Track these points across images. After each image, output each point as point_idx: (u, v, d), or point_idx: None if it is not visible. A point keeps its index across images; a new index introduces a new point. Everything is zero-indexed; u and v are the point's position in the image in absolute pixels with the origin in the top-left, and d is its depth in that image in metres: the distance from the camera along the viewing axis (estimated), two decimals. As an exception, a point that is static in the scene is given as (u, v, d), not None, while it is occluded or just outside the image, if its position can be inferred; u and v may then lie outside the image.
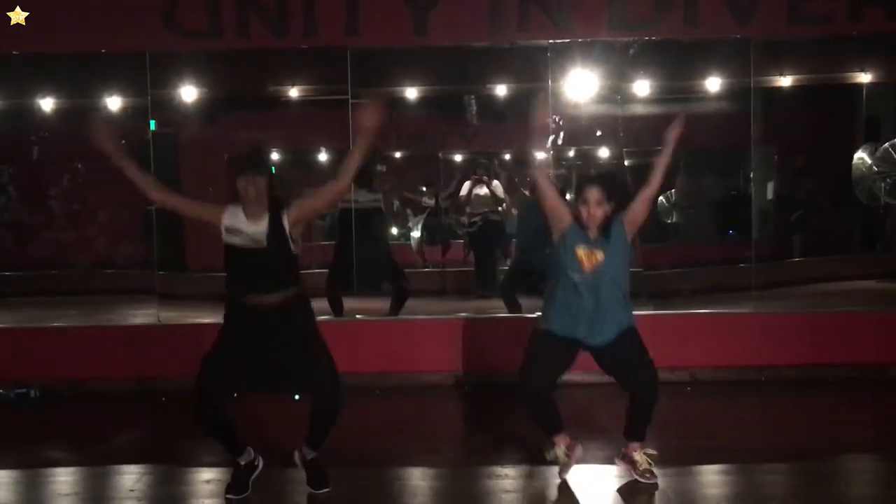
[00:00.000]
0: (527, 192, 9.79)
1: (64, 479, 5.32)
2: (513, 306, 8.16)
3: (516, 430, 5.82)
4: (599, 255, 4.87)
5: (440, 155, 13.29)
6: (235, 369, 4.68)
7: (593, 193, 4.89)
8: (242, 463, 4.88)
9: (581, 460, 5.13)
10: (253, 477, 4.90)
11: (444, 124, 13.00)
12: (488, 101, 11.57)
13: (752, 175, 9.13)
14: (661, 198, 13.14)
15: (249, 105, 10.99)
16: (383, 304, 8.47)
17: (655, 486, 4.90)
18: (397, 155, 13.43)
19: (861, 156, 10.85)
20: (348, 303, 8.26)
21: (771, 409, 6.61)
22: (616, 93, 10.45)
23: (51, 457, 5.79)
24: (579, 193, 4.95)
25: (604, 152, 12.02)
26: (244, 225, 4.63)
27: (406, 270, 8.96)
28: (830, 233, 12.57)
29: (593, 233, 4.90)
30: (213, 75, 9.24)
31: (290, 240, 4.66)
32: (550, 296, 5.01)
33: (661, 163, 5.10)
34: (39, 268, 11.26)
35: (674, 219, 13.22)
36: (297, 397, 5.11)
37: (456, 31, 7.45)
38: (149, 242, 8.25)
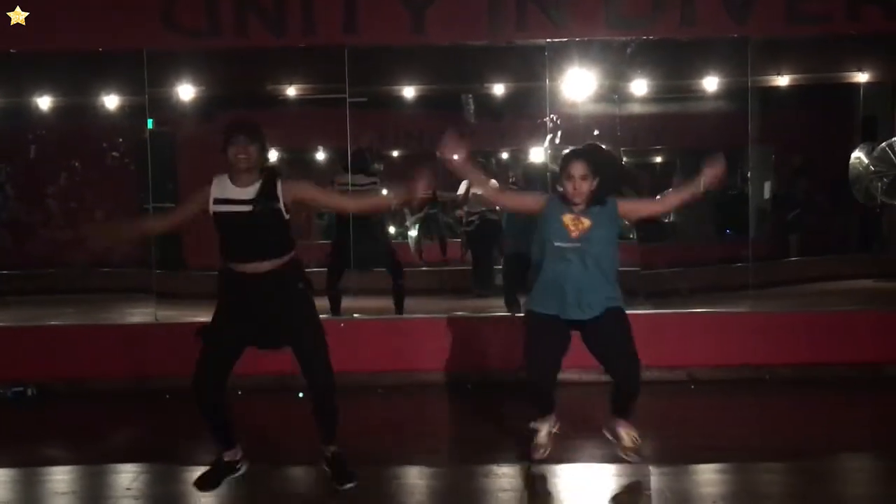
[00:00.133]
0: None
1: (61, 478, 5.31)
2: (512, 306, 8.16)
3: (514, 429, 5.81)
4: (586, 222, 4.88)
5: (438, 153, 13.29)
6: (233, 342, 4.60)
7: (578, 168, 4.89)
8: (225, 459, 4.81)
9: (574, 459, 5.14)
10: (229, 477, 4.80)
11: (442, 123, 12.99)
12: (486, 100, 11.58)
13: (749, 174, 9.14)
14: (658, 197, 13.17)
15: (247, 104, 10.95)
16: (381, 303, 8.47)
17: (639, 464, 5.05)
18: (395, 154, 13.45)
19: (858, 155, 10.85)
20: (345, 302, 8.26)
21: (768, 408, 6.61)
22: (613, 92, 10.44)
23: (48, 455, 5.79)
24: (564, 168, 4.94)
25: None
26: (232, 192, 4.52)
27: (405, 269, 8.96)
28: (827, 232, 12.58)
29: (579, 206, 4.91)
30: (210, 74, 9.24)
31: (282, 206, 4.53)
32: (539, 274, 5.01)
33: (685, 196, 5.07)
34: (37, 266, 11.24)
35: (671, 218, 13.23)
36: (300, 395, 5.08)
37: (454, 29, 7.45)
38: (146, 241, 8.24)
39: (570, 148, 5.18)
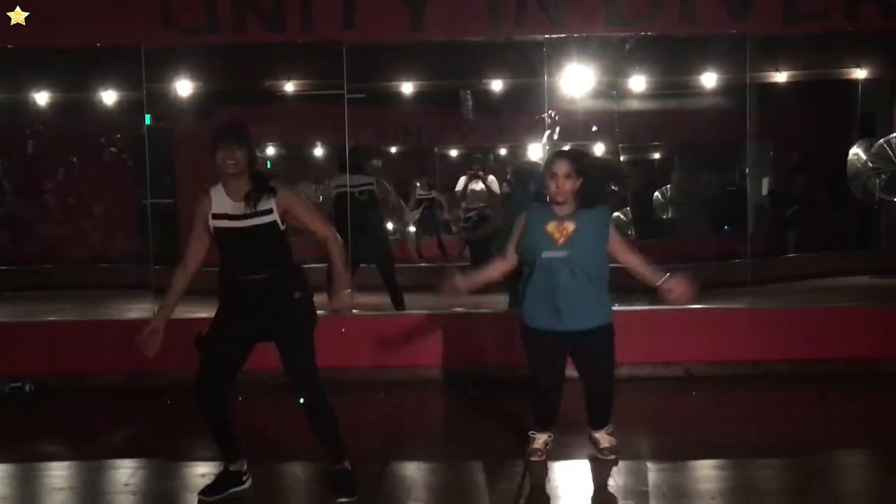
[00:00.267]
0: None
1: (58, 474, 5.31)
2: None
3: (512, 425, 5.82)
4: (570, 226, 4.87)
5: (436, 150, 13.31)
6: (234, 340, 4.56)
7: (562, 166, 4.89)
8: (231, 469, 4.76)
9: (572, 455, 5.15)
10: (233, 490, 4.73)
11: (440, 119, 13.02)
12: (484, 96, 11.58)
13: (747, 171, 9.14)
14: (657, 193, 13.20)
15: (245, 100, 10.98)
16: (379, 299, 8.47)
17: (614, 462, 5.11)
18: (393, 150, 13.46)
19: (856, 152, 10.87)
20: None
21: (765, 404, 6.62)
22: (612, 88, 10.47)
23: (45, 451, 5.79)
24: (548, 167, 4.96)
25: (599, 148, 12.03)
26: (229, 207, 4.48)
27: (404, 266, 8.97)
28: (825, 229, 12.60)
29: (562, 209, 4.92)
30: (208, 70, 9.24)
31: (277, 219, 4.48)
32: (528, 286, 5.01)
33: (647, 276, 4.99)
34: (34, 262, 11.25)
35: (669, 214, 13.25)
36: (301, 400, 5.05)
37: (452, 26, 7.45)
38: (144, 237, 8.24)
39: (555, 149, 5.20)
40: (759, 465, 5.20)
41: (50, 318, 8.23)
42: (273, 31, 7.41)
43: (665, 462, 5.18)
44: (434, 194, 12.64)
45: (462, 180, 11.00)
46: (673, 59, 9.45)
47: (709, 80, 10.39)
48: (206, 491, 4.69)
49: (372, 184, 8.65)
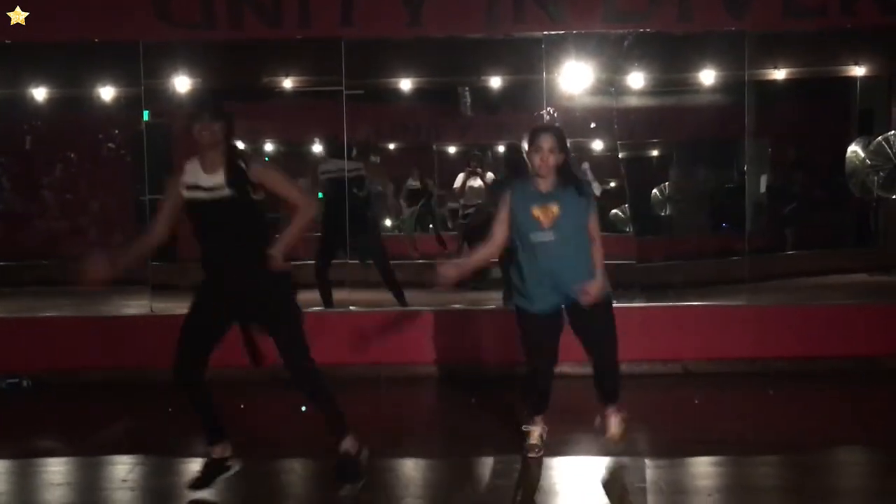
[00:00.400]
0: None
1: (56, 469, 5.32)
2: (510, 301, 8.14)
3: (509, 421, 5.82)
4: (555, 209, 4.89)
5: (434, 146, 13.31)
6: (210, 315, 4.58)
7: (546, 140, 4.90)
8: (214, 456, 4.75)
9: (570, 452, 5.15)
10: (221, 475, 4.73)
11: (439, 116, 13.01)
12: (483, 93, 11.58)
13: (745, 168, 9.15)
14: (654, 190, 13.21)
15: (243, 96, 10.97)
16: (375, 296, 8.47)
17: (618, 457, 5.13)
18: (391, 146, 13.45)
19: (854, 149, 10.88)
20: (340, 295, 8.25)
21: (763, 401, 6.62)
22: (610, 85, 10.46)
23: (43, 447, 5.78)
24: (531, 143, 4.95)
25: (598, 144, 12.03)
26: (202, 179, 4.50)
27: (402, 263, 8.97)
28: (823, 226, 12.60)
29: (545, 186, 4.93)
30: (206, 66, 9.22)
31: (250, 190, 4.50)
32: (516, 270, 5.03)
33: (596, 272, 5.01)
34: (32, 258, 11.24)
35: (667, 211, 13.25)
36: (304, 409, 5.05)
37: (450, 22, 7.44)
38: (141, 232, 8.22)
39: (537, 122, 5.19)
40: (756, 462, 5.20)
41: (47, 314, 8.23)
42: (271, 26, 7.41)
43: (663, 459, 5.18)
44: (428, 187, 12.62)
45: (460, 177, 11.00)
46: (671, 55, 9.45)
47: (707, 76, 10.39)
48: (195, 484, 4.69)
49: (360, 169, 8.65)
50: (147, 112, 8.04)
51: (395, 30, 7.50)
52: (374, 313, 7.94)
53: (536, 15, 7.37)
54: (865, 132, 11.23)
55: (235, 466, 4.82)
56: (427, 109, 12.72)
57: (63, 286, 10.22)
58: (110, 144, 11.95)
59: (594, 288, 4.89)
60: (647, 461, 5.13)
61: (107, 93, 10.79)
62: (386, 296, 8.52)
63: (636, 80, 10.41)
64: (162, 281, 8.08)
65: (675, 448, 5.41)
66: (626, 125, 11.51)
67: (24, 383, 7.22)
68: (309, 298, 8.14)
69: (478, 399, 6.70)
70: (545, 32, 7.47)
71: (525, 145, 5.09)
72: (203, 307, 4.62)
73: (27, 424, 6.38)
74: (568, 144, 5.06)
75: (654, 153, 13.83)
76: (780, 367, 7.22)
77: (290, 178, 4.74)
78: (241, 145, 4.76)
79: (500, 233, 5.08)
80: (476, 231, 10.47)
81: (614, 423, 5.20)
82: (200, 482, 4.70)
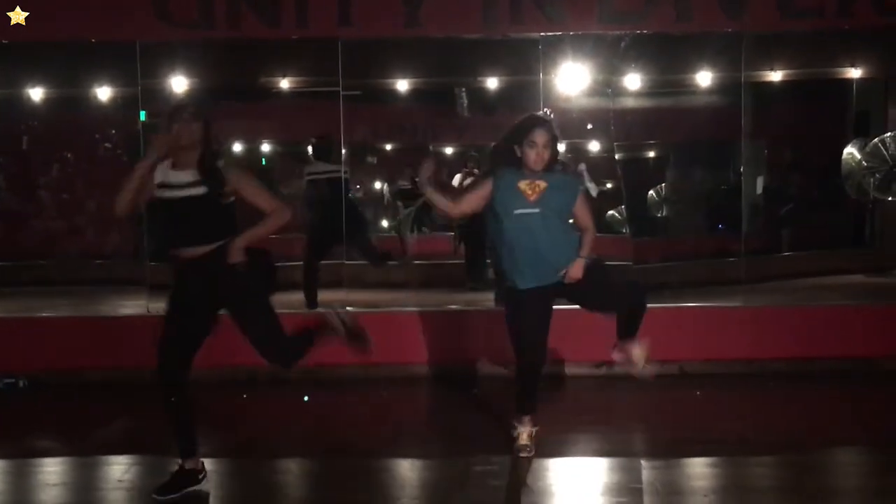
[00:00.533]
0: None
1: (52, 469, 5.31)
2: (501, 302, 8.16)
3: (504, 421, 5.82)
4: (542, 184, 4.91)
5: (431, 147, 13.29)
6: (186, 314, 4.57)
7: (542, 135, 4.90)
8: (186, 466, 4.71)
9: (565, 452, 5.15)
10: (191, 487, 4.67)
11: (435, 116, 13.00)
12: (479, 94, 11.57)
13: (742, 169, 9.15)
14: (651, 192, 13.20)
15: (240, 96, 10.96)
16: (373, 296, 8.47)
17: (650, 378, 5.29)
18: (388, 147, 13.43)
19: (851, 151, 10.88)
20: (337, 294, 8.25)
21: (759, 401, 6.63)
22: (607, 86, 10.45)
23: (39, 447, 5.78)
24: (527, 135, 4.92)
25: (595, 145, 12.02)
26: (171, 176, 4.50)
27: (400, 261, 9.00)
28: (820, 227, 12.60)
29: (535, 172, 4.94)
30: (203, 66, 9.21)
31: (222, 191, 4.50)
32: (505, 253, 5.03)
33: (585, 246, 5.07)
34: (29, 258, 11.22)
35: (664, 213, 13.25)
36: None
37: (448, 23, 7.45)
38: (139, 232, 8.23)
39: (528, 114, 5.17)
40: (753, 463, 5.21)
41: (44, 314, 8.22)
42: (269, 26, 7.41)
43: (659, 459, 5.19)
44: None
45: (457, 178, 10.99)
46: (668, 57, 9.45)
47: (704, 78, 10.40)
48: (160, 490, 4.63)
49: (337, 170, 8.69)
50: (144, 112, 8.03)
51: (392, 30, 7.50)
52: (371, 314, 7.94)
53: (534, 16, 7.38)
54: (862, 134, 11.22)
55: (205, 481, 4.76)
56: (424, 110, 12.69)
57: (60, 286, 10.29)
58: (107, 144, 11.93)
59: (575, 269, 4.91)
60: (643, 462, 5.14)
61: (104, 93, 10.78)
62: (383, 296, 8.52)
63: (633, 81, 10.42)
64: (159, 281, 8.04)
65: (672, 448, 5.41)
66: (623, 126, 11.49)
67: (21, 383, 7.21)
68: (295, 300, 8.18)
69: (474, 399, 6.71)
70: (542, 33, 7.48)
71: (511, 134, 5.02)
72: (181, 306, 4.60)
73: (24, 424, 6.37)
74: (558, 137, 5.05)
75: (651, 154, 13.82)
76: (777, 368, 7.23)
77: (265, 187, 4.73)
78: (216, 146, 4.71)
79: (467, 202, 5.06)
80: (472, 232, 10.55)
81: (637, 351, 5.22)
82: (167, 490, 4.63)
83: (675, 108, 12.39)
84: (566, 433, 5.59)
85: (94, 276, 10.72)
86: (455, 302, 8.49)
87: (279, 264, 4.85)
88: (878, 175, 10.35)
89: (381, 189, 12.67)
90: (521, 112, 5.24)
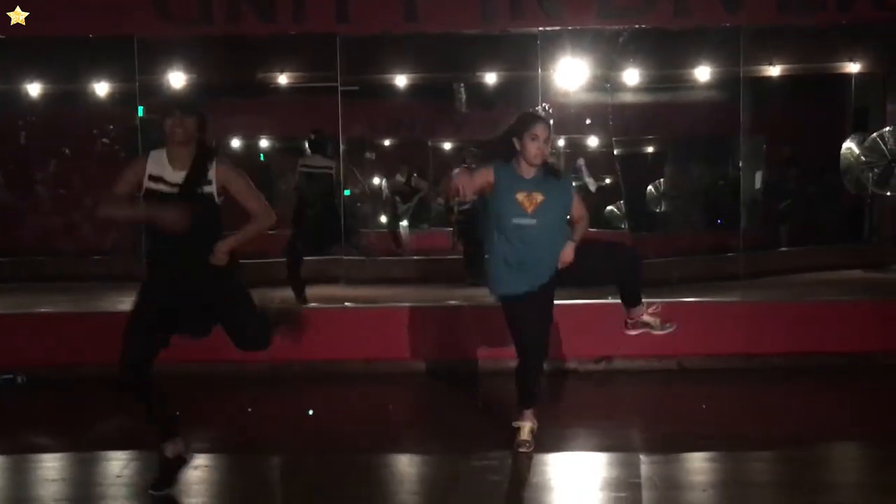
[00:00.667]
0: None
1: (51, 465, 5.31)
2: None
3: (502, 417, 5.82)
4: (539, 197, 4.91)
5: (429, 143, 13.29)
6: (155, 314, 4.52)
7: (544, 130, 4.90)
8: (168, 455, 4.71)
9: (564, 447, 5.15)
10: (181, 470, 4.71)
11: (434, 112, 12.99)
12: (478, 89, 11.57)
13: (740, 164, 9.15)
14: (650, 187, 13.21)
15: (238, 91, 10.96)
16: (372, 292, 8.47)
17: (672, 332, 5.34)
18: (386, 142, 13.43)
19: (849, 146, 10.89)
20: (334, 290, 8.25)
21: (758, 396, 6.63)
22: (606, 81, 10.46)
23: (38, 443, 5.79)
24: (527, 129, 4.90)
25: (593, 140, 12.03)
26: (168, 173, 4.47)
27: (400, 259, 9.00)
28: (818, 222, 12.61)
29: (529, 173, 4.93)
30: (201, 61, 9.21)
31: (214, 191, 4.48)
32: (499, 257, 5.01)
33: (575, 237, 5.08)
34: (27, 254, 11.21)
35: (662, 208, 13.25)
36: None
37: (446, 18, 7.44)
38: (137, 229, 8.22)
39: (529, 109, 5.18)
40: (751, 458, 5.21)
41: (42, 310, 8.21)
42: (267, 22, 7.40)
43: (658, 454, 5.19)
44: (414, 182, 12.58)
45: (455, 173, 10.96)
46: (667, 52, 9.46)
47: (703, 73, 10.40)
48: (155, 485, 4.65)
49: (330, 167, 8.69)
50: (142, 108, 8.03)
51: (390, 25, 7.49)
52: (369, 309, 7.94)
53: (532, 11, 7.38)
54: (860, 129, 11.24)
55: (193, 460, 4.81)
56: (422, 105, 12.69)
57: (59, 282, 10.28)
58: (105, 140, 11.92)
59: (567, 253, 4.95)
60: (642, 456, 5.14)
61: (101, 88, 10.78)
62: (381, 292, 8.52)
63: (631, 76, 10.43)
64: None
65: (670, 443, 5.41)
66: (622, 121, 11.50)
67: (19, 379, 7.21)
68: (310, 294, 8.17)
69: (473, 395, 6.71)
70: (541, 28, 7.48)
71: (512, 127, 5.00)
72: (153, 303, 4.55)
73: (22, 420, 6.37)
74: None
75: (650, 149, 13.83)
76: (775, 363, 7.23)
77: (255, 188, 4.67)
78: (212, 143, 4.70)
79: (478, 176, 5.01)
80: (471, 227, 10.54)
81: (647, 317, 5.26)
82: (160, 484, 4.65)
83: (673, 103, 12.39)
84: (565, 428, 5.59)
85: (93, 271, 10.71)
86: (454, 297, 8.49)
87: (272, 260, 4.86)
88: (876, 170, 10.36)
89: (380, 185, 12.64)
90: (519, 107, 5.24)
